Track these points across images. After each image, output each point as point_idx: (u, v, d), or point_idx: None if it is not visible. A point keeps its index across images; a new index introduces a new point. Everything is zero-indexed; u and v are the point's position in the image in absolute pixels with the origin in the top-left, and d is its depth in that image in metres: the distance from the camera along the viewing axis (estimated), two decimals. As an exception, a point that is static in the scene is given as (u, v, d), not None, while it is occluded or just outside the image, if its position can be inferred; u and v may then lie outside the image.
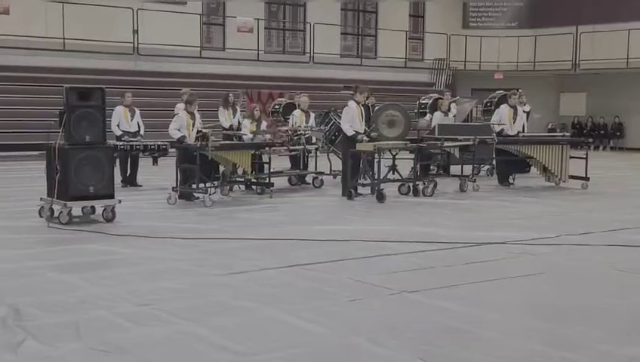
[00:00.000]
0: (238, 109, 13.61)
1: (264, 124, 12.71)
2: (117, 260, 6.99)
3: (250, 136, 12.19)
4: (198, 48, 22.77)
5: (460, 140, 12.48)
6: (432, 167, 13.79)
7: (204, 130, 11.14)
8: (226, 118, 13.10)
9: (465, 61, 27.43)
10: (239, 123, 13.07)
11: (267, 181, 11.62)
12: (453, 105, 15.65)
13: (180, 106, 11.73)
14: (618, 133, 26.61)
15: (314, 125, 13.28)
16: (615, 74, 25.37)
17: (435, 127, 12.99)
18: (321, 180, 13.00)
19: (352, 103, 11.54)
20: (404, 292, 5.73)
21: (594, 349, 4.48)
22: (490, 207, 10.82)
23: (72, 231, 8.20)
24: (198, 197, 10.70)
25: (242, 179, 11.89)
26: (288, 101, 15.65)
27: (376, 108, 13.27)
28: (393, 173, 11.68)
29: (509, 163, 13.41)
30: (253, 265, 6.58)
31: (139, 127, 13.01)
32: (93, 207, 9.18)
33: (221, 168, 11.57)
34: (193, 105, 11.29)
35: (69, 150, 8.60)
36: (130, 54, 21.41)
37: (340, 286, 5.94)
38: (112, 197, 8.89)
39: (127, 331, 4.71)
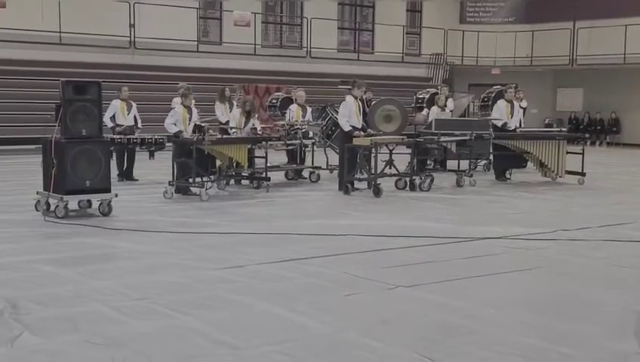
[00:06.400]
0: (235, 103, 13.58)
1: (255, 117, 12.38)
2: (113, 254, 7.00)
3: (236, 127, 11.92)
4: (195, 42, 22.73)
5: (457, 135, 12.49)
6: (428, 162, 13.79)
7: (202, 124, 11.11)
8: (222, 113, 13.06)
9: (462, 56, 27.42)
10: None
11: (264, 175, 11.61)
12: (450, 101, 15.65)
13: (177, 100, 11.71)
14: (614, 129, 26.61)
15: (311, 120, 13.26)
16: (612, 69, 25.36)
17: (431, 122, 12.99)
18: (318, 175, 12.98)
19: (349, 98, 11.53)
20: (400, 286, 5.74)
21: (590, 344, 4.49)
22: (487, 202, 10.83)
23: (69, 225, 8.19)
24: (194, 192, 10.69)
25: (242, 175, 11.86)
26: (285, 95, 15.63)
27: (373, 103, 13.27)
28: (390, 168, 11.68)
29: (505, 158, 13.42)
30: (249, 260, 6.58)
31: (135, 121, 13.01)
32: (89, 201, 9.16)
33: (218, 162, 11.54)
34: (189, 98, 11.28)
35: (66, 144, 8.58)
36: (127, 48, 21.37)
37: (336, 280, 5.94)
38: (108, 191, 8.88)
39: (124, 324, 4.71)
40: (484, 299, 5.44)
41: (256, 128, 12.00)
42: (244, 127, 11.85)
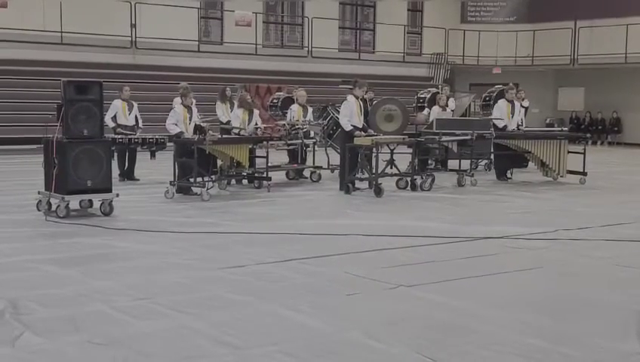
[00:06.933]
0: (236, 103, 13.57)
1: (256, 113, 12.43)
2: (114, 254, 7.00)
3: (239, 128, 11.93)
4: (196, 42, 22.74)
5: (458, 135, 12.50)
6: (429, 162, 13.78)
7: (202, 124, 11.13)
8: (223, 112, 13.06)
9: (463, 55, 27.42)
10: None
11: (265, 175, 11.62)
12: (451, 100, 15.65)
13: (178, 100, 11.72)
14: (616, 129, 26.61)
15: (312, 119, 13.27)
16: (613, 69, 25.35)
17: (433, 121, 12.99)
18: (319, 174, 12.99)
19: (351, 98, 11.53)
20: (401, 286, 5.74)
21: (591, 344, 4.49)
22: (488, 201, 10.83)
23: (70, 225, 8.19)
24: (195, 192, 10.69)
25: (242, 175, 11.88)
26: (286, 95, 15.63)
27: (374, 102, 13.28)
28: (391, 168, 11.68)
29: (506, 158, 13.42)
30: (250, 259, 6.58)
31: (137, 121, 13.03)
32: (90, 201, 9.17)
33: (219, 162, 11.54)
34: (188, 98, 11.29)
35: (67, 144, 8.60)
36: (128, 48, 21.39)
37: (338, 280, 5.95)
38: (109, 191, 8.89)
39: (125, 324, 4.72)
40: (485, 299, 5.44)
41: (259, 126, 12.07)
42: (249, 124, 11.91)
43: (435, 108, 14.27)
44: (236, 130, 11.93)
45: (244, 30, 22.95)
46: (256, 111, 12.33)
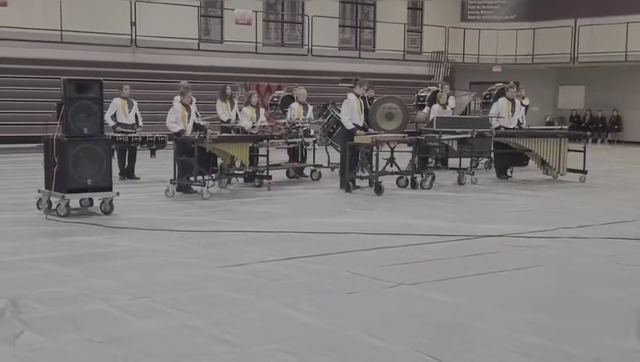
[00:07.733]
0: (236, 102, 13.60)
1: (262, 111, 12.72)
2: (115, 252, 7.00)
3: (252, 124, 12.20)
4: (197, 40, 22.73)
5: (458, 133, 12.50)
6: (430, 160, 13.78)
7: (202, 123, 11.15)
8: (223, 111, 13.08)
9: (463, 54, 27.40)
10: (237, 115, 13.05)
11: (265, 173, 11.63)
12: (451, 98, 15.65)
13: (178, 99, 11.73)
14: (616, 127, 26.61)
15: (312, 118, 13.27)
16: (613, 67, 25.35)
17: (433, 119, 12.99)
18: (319, 173, 13.00)
19: (351, 96, 11.53)
20: (401, 284, 5.74)
21: (592, 342, 4.48)
22: (488, 200, 10.83)
23: (70, 224, 8.19)
24: (195, 190, 10.70)
25: (242, 172, 11.91)
26: (287, 94, 15.62)
27: (375, 100, 13.27)
28: (391, 166, 11.68)
29: (507, 156, 13.42)
30: (250, 258, 6.58)
31: (136, 120, 13.03)
32: (91, 200, 9.18)
33: (219, 161, 11.55)
34: (186, 96, 11.30)
35: (67, 142, 8.60)
36: (129, 46, 21.38)
37: (338, 278, 5.94)
38: (109, 189, 8.89)
39: (125, 323, 4.72)
40: (485, 297, 5.44)
41: (263, 122, 12.35)
42: (257, 120, 12.13)
43: (436, 106, 14.28)
44: (248, 129, 12.07)
45: (245, 28, 22.94)
46: (262, 109, 12.59)
